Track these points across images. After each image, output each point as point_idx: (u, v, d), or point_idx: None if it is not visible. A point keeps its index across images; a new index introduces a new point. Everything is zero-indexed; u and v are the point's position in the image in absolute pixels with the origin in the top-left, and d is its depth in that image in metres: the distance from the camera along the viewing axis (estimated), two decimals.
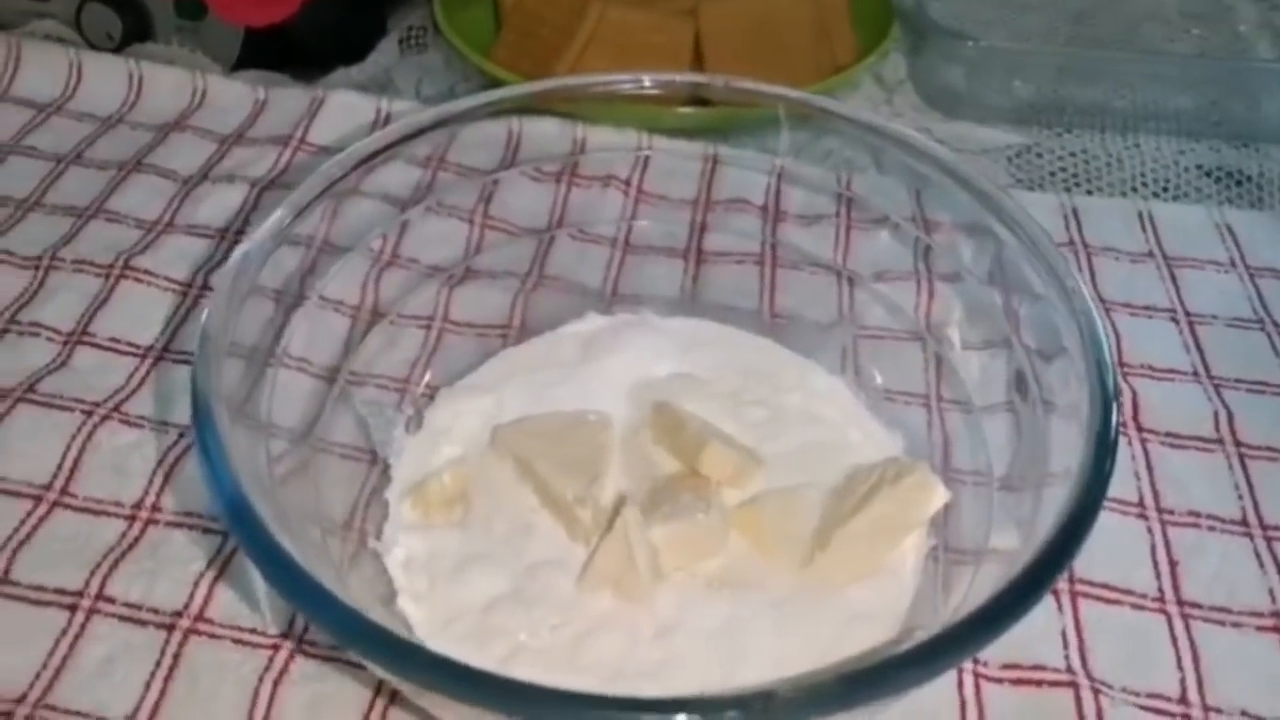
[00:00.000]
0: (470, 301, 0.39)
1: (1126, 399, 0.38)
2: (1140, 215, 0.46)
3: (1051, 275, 0.28)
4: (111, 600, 0.31)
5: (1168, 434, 0.37)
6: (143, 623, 0.31)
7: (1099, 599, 0.32)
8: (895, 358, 0.36)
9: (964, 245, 0.33)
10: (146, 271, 0.42)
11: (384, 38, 0.58)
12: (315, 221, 0.32)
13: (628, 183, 0.44)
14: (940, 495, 0.30)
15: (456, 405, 0.35)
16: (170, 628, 0.31)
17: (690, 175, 0.43)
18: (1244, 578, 0.33)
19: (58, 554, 0.33)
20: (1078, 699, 0.29)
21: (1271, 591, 0.32)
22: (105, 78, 0.51)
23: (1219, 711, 0.29)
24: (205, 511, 0.34)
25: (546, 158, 0.42)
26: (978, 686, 0.30)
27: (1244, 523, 0.34)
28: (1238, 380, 0.39)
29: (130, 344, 0.39)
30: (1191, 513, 0.34)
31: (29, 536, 0.33)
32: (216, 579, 0.32)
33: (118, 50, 0.54)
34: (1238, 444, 0.36)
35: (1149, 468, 0.36)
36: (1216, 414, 0.37)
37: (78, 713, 0.29)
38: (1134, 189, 0.50)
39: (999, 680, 0.30)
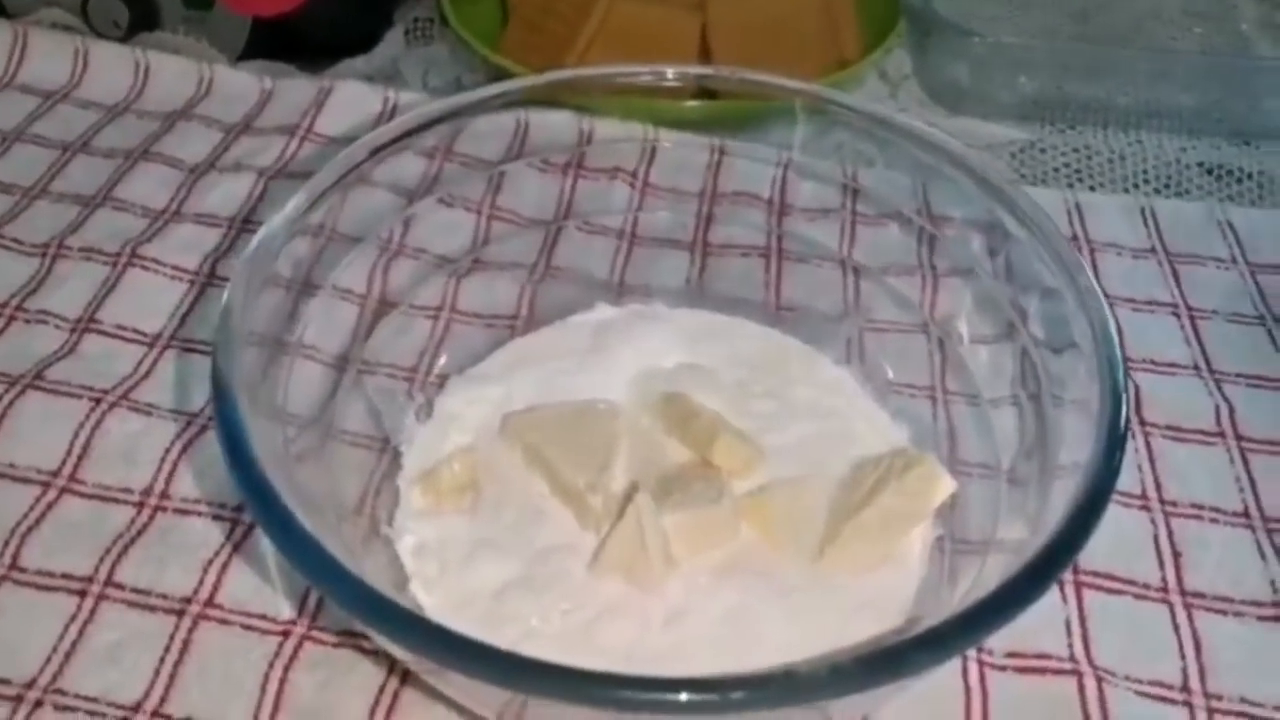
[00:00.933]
0: (478, 292, 0.39)
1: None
2: (1142, 211, 0.46)
3: (1063, 270, 0.28)
4: (120, 586, 0.32)
5: (1169, 427, 0.37)
6: (152, 608, 0.31)
7: (1102, 589, 0.32)
8: (902, 350, 0.36)
9: (973, 238, 0.33)
10: (154, 260, 0.42)
11: (390, 29, 0.58)
12: (327, 211, 0.32)
13: (635, 175, 0.44)
14: (947, 486, 0.30)
15: (467, 393, 0.35)
16: (180, 613, 0.31)
17: (697, 168, 0.43)
18: (1245, 568, 0.33)
19: (66, 540, 0.33)
20: (1081, 687, 0.30)
21: (1273, 582, 0.33)
22: (111, 66, 0.51)
23: (1220, 699, 0.30)
24: (214, 498, 0.34)
25: (554, 149, 0.42)
26: (982, 674, 0.30)
27: (1245, 515, 0.35)
28: (1238, 375, 0.39)
29: (138, 332, 0.39)
30: (1194, 505, 0.35)
31: (38, 522, 0.33)
32: (226, 565, 0.32)
33: (124, 39, 0.54)
34: (1239, 437, 0.37)
35: (1151, 460, 0.36)
36: (1218, 408, 0.38)
37: (88, 697, 0.29)
38: (1136, 185, 0.50)
39: (1003, 668, 0.30)
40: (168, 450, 0.35)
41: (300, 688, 0.29)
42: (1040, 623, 0.31)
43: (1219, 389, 0.38)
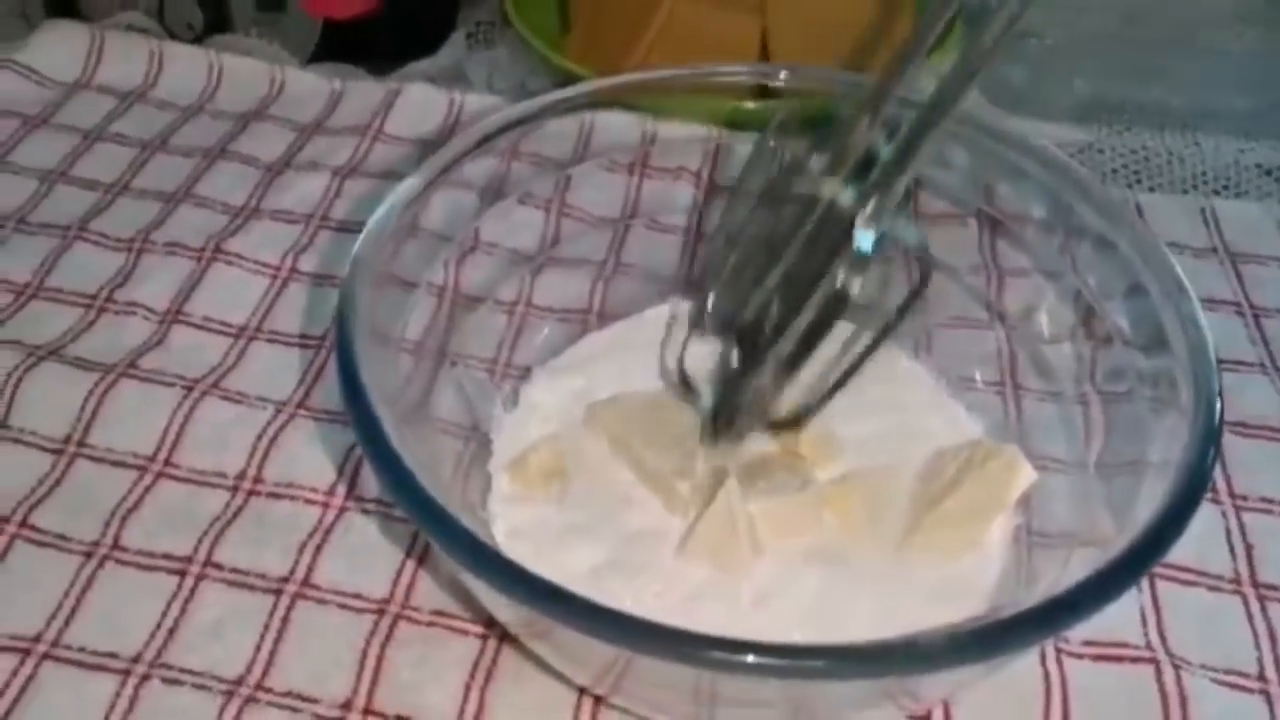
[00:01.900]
0: (552, 287, 0.40)
1: None
2: (1203, 211, 0.47)
3: (1154, 269, 0.29)
4: (219, 566, 0.33)
5: (1237, 423, 0.38)
6: (251, 587, 0.32)
7: (1176, 580, 0.33)
8: (973, 345, 0.36)
9: (1054, 234, 0.34)
10: (237, 254, 0.43)
11: (453, 32, 0.59)
12: (418, 212, 0.33)
13: (698, 175, 0.45)
14: (1028, 475, 0.30)
15: (550, 384, 0.36)
16: (278, 592, 0.32)
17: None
18: None
19: (165, 522, 0.34)
20: (1158, 673, 0.30)
21: None
22: (186, 68, 0.53)
23: None
24: (305, 483, 0.35)
25: (619, 150, 0.43)
26: (1060, 662, 0.31)
27: None
28: None
29: (224, 323, 0.41)
30: (1264, 499, 0.35)
31: (137, 505, 0.34)
32: (320, 547, 0.33)
33: (198, 41, 0.56)
34: None
35: (1221, 455, 0.36)
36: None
37: (193, 671, 0.30)
38: (1195, 186, 0.50)
39: (1080, 656, 0.31)
40: (259, 437, 0.36)
41: (397, 664, 0.30)
42: (1116, 612, 0.31)
43: None
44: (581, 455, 0.33)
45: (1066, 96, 0.53)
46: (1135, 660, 0.31)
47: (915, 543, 0.30)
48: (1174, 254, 0.44)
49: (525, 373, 0.37)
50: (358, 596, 0.32)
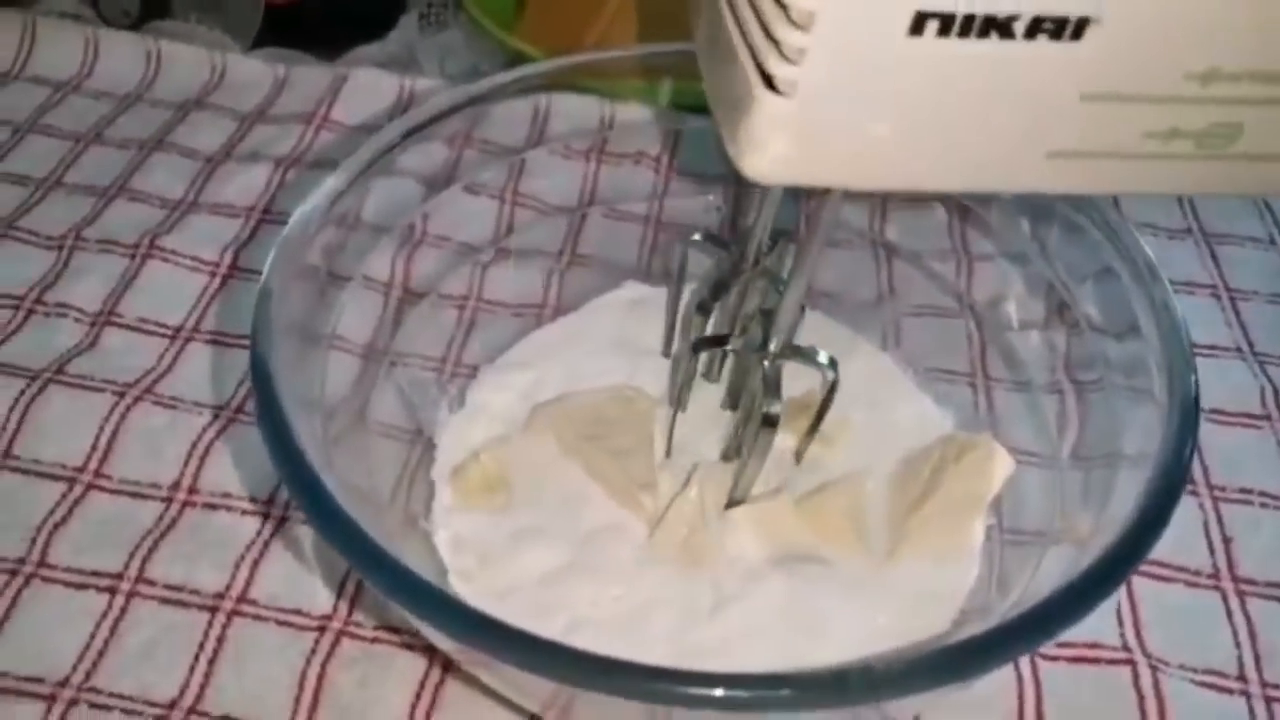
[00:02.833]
0: (505, 280, 0.38)
1: None
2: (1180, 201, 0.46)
3: (1125, 254, 0.28)
4: (152, 583, 0.31)
5: (1214, 411, 0.36)
6: (185, 605, 0.31)
7: (1153, 576, 0.32)
8: (942, 335, 0.35)
9: (1021, 220, 0.32)
10: (173, 251, 0.41)
11: (404, 15, 0.57)
12: (353, 200, 0.32)
13: (658, 160, 0.43)
14: (1006, 464, 0.29)
15: (497, 382, 0.34)
16: (214, 609, 0.30)
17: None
18: None
19: (94, 537, 0.32)
20: (1135, 675, 0.29)
21: None
22: (122, 56, 0.51)
23: (1277, 688, 0.29)
24: (243, 492, 0.33)
25: (575, 135, 0.41)
26: (1034, 665, 0.29)
27: None
28: None
29: (159, 324, 0.39)
30: (1242, 489, 0.34)
31: (65, 519, 0.33)
32: (259, 560, 0.32)
33: (135, 28, 0.54)
34: None
35: (1198, 445, 0.35)
36: (1263, 390, 0.37)
37: (123, 695, 0.29)
38: None
39: (1055, 658, 0.30)
40: (194, 444, 0.35)
41: (338, 684, 0.29)
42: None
43: (1263, 370, 0.38)
44: (527, 460, 0.32)
45: None
46: (1111, 662, 0.29)
47: (902, 552, 0.29)
48: (1149, 236, 0.44)
49: (474, 372, 0.35)
50: (298, 613, 0.30)
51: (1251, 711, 0.29)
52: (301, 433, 0.23)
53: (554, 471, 0.31)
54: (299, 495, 0.22)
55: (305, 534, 0.32)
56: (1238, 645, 0.30)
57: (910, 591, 0.28)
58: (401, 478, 0.32)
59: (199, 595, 0.31)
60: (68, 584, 0.31)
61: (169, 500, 0.33)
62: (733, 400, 0.33)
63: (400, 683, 0.29)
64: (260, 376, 0.24)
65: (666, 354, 0.35)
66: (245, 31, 0.53)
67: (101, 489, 0.33)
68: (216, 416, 0.35)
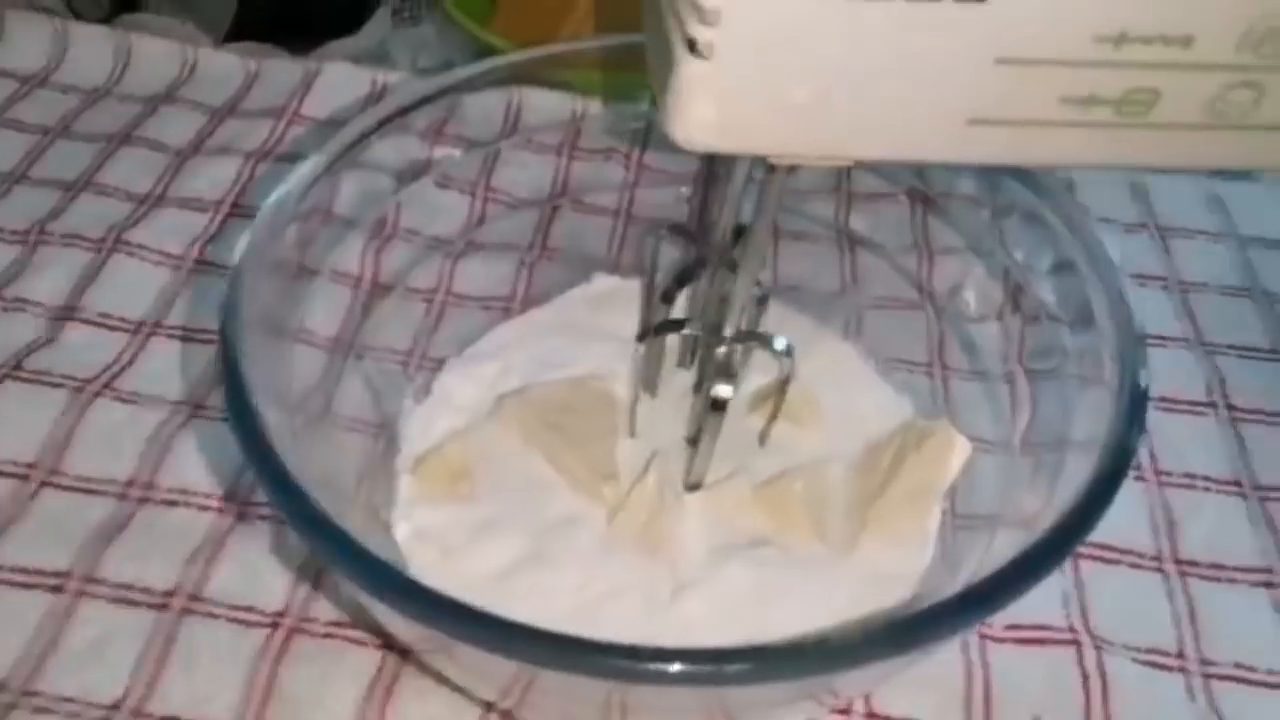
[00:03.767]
0: (474, 273, 0.38)
1: None
2: (1133, 187, 0.46)
3: (1081, 243, 0.27)
4: (100, 581, 0.30)
5: (1163, 399, 0.37)
6: (134, 603, 0.30)
7: (1099, 559, 0.32)
8: (902, 326, 0.35)
9: (980, 210, 0.32)
10: (139, 245, 0.40)
11: (377, 9, 0.56)
12: (323, 192, 0.31)
13: (629, 155, 0.43)
14: (963, 449, 0.29)
15: (464, 372, 0.34)
16: (163, 607, 0.30)
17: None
18: (1238, 536, 0.33)
19: (45, 534, 0.32)
20: (1080, 655, 0.29)
21: (1264, 549, 0.33)
22: (92, 49, 0.50)
23: (1214, 664, 0.30)
24: (199, 489, 0.33)
25: (547, 130, 0.41)
26: (983, 647, 0.30)
27: (1237, 483, 0.34)
28: (1229, 346, 0.39)
29: (122, 319, 0.38)
30: (1187, 474, 0.34)
31: (16, 517, 0.32)
32: (212, 557, 0.31)
33: (106, 20, 0.53)
34: (1230, 407, 0.37)
35: (1145, 431, 0.35)
36: (1209, 379, 0.37)
37: (65, 698, 0.28)
38: None
39: (1003, 640, 0.30)
40: (153, 440, 0.34)
41: (289, 682, 0.28)
42: (1039, 595, 0.30)
43: (1210, 360, 0.38)
44: (490, 451, 0.31)
45: None
46: (1057, 643, 0.30)
47: (865, 541, 0.29)
48: (1105, 229, 0.44)
49: (441, 364, 0.35)
50: (251, 610, 0.30)
51: (1189, 687, 0.29)
52: (270, 423, 0.23)
53: (516, 461, 0.31)
54: (268, 486, 0.22)
55: (261, 529, 0.32)
56: (1177, 625, 0.31)
57: (866, 574, 0.28)
58: (365, 470, 0.31)
59: (149, 593, 0.30)
60: (12, 584, 0.30)
61: (123, 497, 0.33)
62: (698, 386, 0.33)
63: (353, 678, 0.28)
64: (230, 363, 0.24)
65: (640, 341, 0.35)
66: (217, 25, 0.53)
67: (55, 485, 0.33)
68: (175, 411, 0.35)
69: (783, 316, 0.35)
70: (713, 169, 0.37)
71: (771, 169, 0.24)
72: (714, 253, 0.31)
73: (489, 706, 0.28)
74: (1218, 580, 0.32)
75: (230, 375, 0.24)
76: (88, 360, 0.36)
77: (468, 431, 0.32)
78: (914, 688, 0.28)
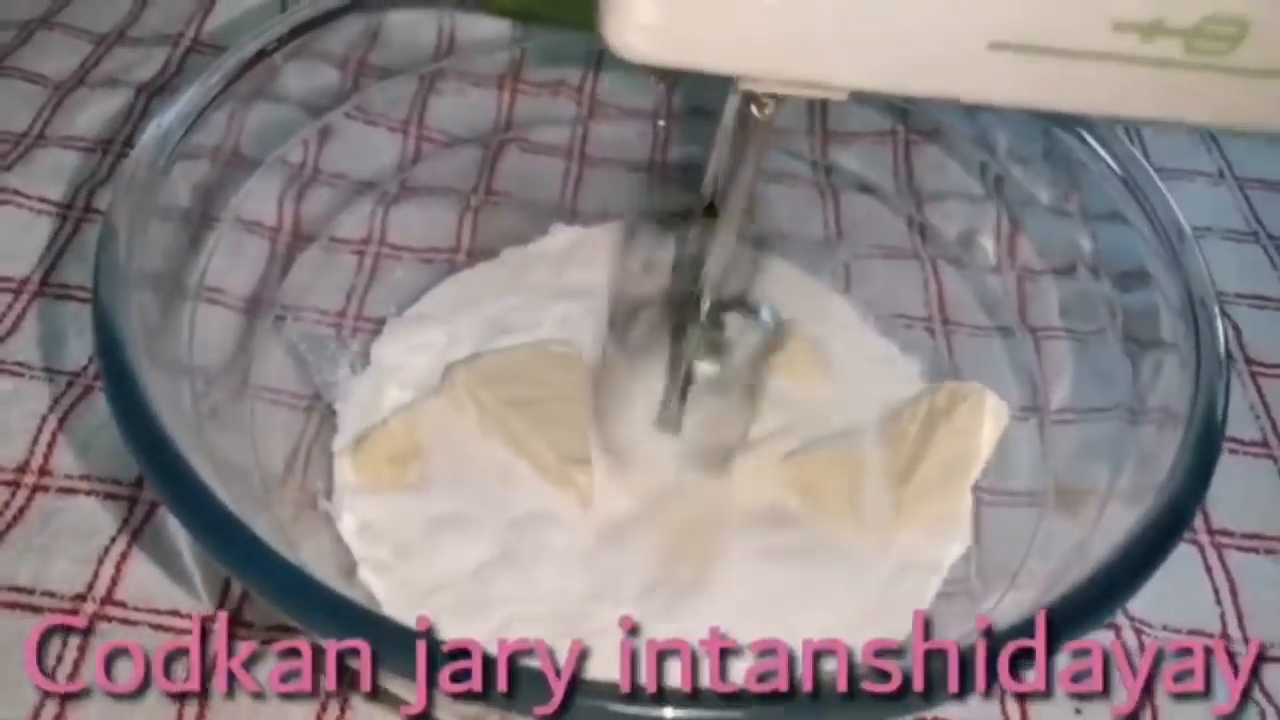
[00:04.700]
0: (411, 221, 0.34)
1: None
2: (1126, 129, 0.44)
3: (1133, 197, 0.25)
4: None
5: None
6: (36, 609, 0.26)
7: None
8: (902, 275, 0.32)
9: (1028, 161, 0.29)
10: (15, 191, 0.36)
11: None
12: (225, 128, 0.27)
13: (580, 89, 0.39)
14: (1003, 412, 0.27)
15: (407, 339, 0.30)
16: (72, 613, 0.26)
17: (649, 81, 0.38)
18: (1273, 501, 0.31)
19: None
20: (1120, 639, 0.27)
21: None
22: None
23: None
24: (105, 473, 0.29)
25: (484, 59, 0.37)
26: None
27: (1264, 444, 0.33)
28: (1238, 295, 0.37)
29: (2, 278, 0.33)
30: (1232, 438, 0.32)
31: None
32: (126, 554, 0.27)
33: None
34: (1248, 361, 0.35)
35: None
36: (1225, 332, 0.35)
37: None
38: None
39: None
40: (44, 418, 0.30)
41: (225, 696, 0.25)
42: None
43: (1221, 311, 0.36)
44: (442, 429, 0.28)
45: None
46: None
47: (903, 523, 0.26)
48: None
49: (379, 326, 0.31)
50: (174, 614, 0.26)
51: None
52: (161, 401, 0.19)
53: (473, 444, 0.28)
54: (153, 476, 0.18)
55: None
56: (1219, 603, 0.29)
57: (899, 563, 0.26)
58: (297, 451, 0.28)
59: (54, 597, 0.26)
60: None
61: (16, 485, 0.28)
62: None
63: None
64: (104, 333, 0.19)
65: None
66: None
67: None
68: (70, 385, 0.30)
69: (768, 264, 0.32)
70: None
71: (749, 103, 0.20)
72: (697, 204, 0.27)
73: None
74: (1256, 551, 0.30)
75: (106, 352, 0.20)
76: None
77: (415, 406, 0.28)
78: None
